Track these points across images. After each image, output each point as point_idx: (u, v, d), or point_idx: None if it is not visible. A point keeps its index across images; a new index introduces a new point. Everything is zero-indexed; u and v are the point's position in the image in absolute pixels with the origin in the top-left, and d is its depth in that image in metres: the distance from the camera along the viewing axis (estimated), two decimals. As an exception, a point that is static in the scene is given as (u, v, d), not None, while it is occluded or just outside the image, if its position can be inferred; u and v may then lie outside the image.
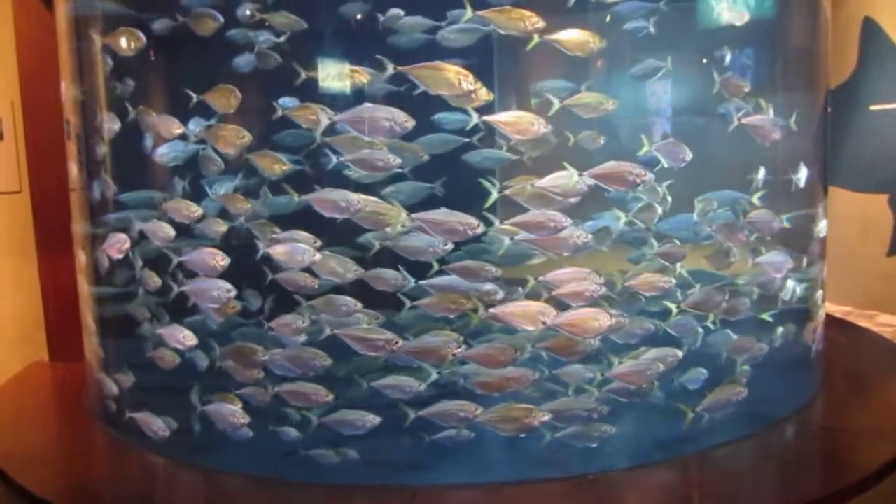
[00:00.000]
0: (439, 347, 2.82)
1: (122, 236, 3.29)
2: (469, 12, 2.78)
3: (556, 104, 2.83)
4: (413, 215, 2.76)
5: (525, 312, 2.81)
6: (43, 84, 4.15)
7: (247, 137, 2.95)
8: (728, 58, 3.11)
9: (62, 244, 4.08)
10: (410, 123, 2.72)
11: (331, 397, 2.87)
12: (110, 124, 3.30)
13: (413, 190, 2.96)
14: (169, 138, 3.09)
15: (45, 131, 4.26)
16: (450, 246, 2.79)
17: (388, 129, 2.72)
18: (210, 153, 3.04)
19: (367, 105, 2.75)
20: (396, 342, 2.81)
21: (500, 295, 2.88)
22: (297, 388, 2.90)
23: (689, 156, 2.91)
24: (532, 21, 2.74)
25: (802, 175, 3.37)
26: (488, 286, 2.87)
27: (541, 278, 2.87)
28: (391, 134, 2.73)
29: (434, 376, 2.86)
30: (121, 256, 3.30)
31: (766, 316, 3.34)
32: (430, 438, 2.87)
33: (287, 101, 2.98)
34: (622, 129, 3.05)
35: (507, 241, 2.88)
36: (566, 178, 2.76)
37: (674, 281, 3.05)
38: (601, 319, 2.82)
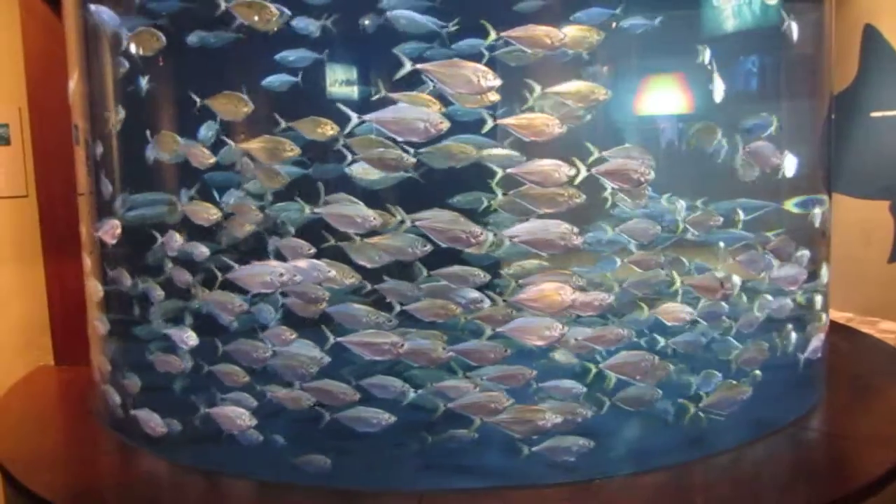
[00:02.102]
0: (431, 349, 2.83)
1: (115, 222, 3.31)
2: (493, 34, 2.77)
3: (537, 91, 2.79)
4: (418, 223, 2.75)
5: (531, 328, 2.81)
6: (50, 90, 4.16)
7: (296, 150, 2.88)
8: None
9: (68, 249, 4.10)
10: (445, 125, 2.66)
11: (357, 396, 2.87)
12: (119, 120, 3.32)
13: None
14: (201, 168, 3.07)
15: (52, 136, 4.28)
16: (428, 247, 2.77)
17: (422, 130, 2.67)
18: (248, 161, 3.00)
19: (402, 105, 2.68)
20: (402, 345, 2.81)
21: (487, 303, 2.88)
22: (323, 387, 2.90)
23: (651, 163, 2.86)
24: (557, 37, 2.73)
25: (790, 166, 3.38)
26: (474, 294, 2.87)
27: (521, 281, 2.89)
28: (425, 135, 2.68)
29: (412, 395, 2.88)
30: (114, 241, 3.32)
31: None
32: (431, 439, 2.88)
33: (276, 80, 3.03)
34: (616, 134, 3.04)
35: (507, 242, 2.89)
36: (543, 166, 2.74)
37: (695, 313, 3.08)
38: (564, 294, 2.79)
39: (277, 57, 3.11)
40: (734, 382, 3.13)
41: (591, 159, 2.81)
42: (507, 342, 2.87)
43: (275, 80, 3.11)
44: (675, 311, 3.07)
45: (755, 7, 3.19)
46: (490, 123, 2.77)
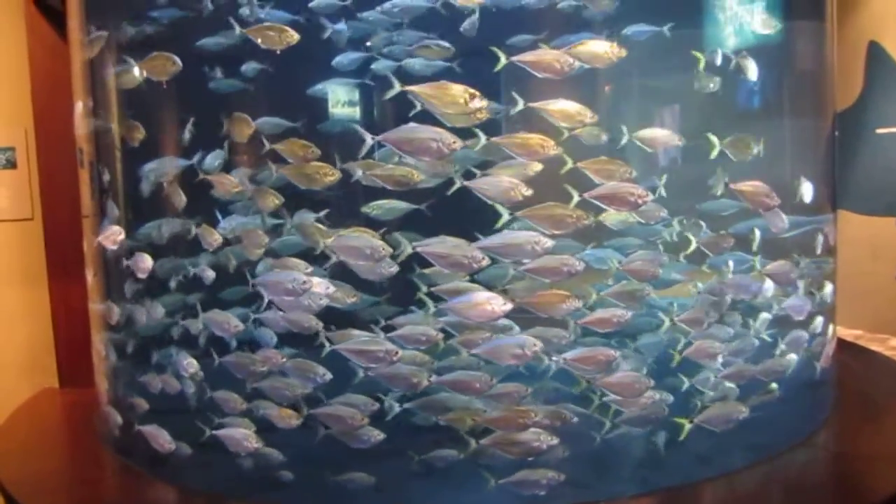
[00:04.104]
0: (411, 374, 2.81)
1: (117, 228, 3.32)
2: (503, 60, 2.76)
3: (520, 104, 2.78)
4: (418, 248, 2.74)
5: (503, 347, 2.78)
6: (56, 113, 4.20)
7: (336, 175, 2.86)
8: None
9: (73, 271, 4.11)
10: (458, 144, 2.65)
11: (366, 420, 2.84)
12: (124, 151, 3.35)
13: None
14: (227, 197, 3.08)
15: (58, 159, 4.30)
16: (395, 268, 2.78)
17: (435, 149, 2.65)
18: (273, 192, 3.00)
19: (412, 125, 2.66)
20: (396, 353, 2.78)
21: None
22: (334, 412, 2.88)
23: (631, 174, 2.84)
24: (566, 62, 2.74)
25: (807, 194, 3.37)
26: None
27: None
28: (438, 155, 2.66)
29: (397, 409, 2.86)
30: (115, 247, 3.33)
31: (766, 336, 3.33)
32: (419, 458, 2.85)
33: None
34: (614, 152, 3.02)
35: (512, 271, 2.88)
36: (500, 183, 2.72)
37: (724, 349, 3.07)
38: (494, 304, 2.73)
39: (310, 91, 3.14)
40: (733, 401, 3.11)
41: (565, 168, 2.80)
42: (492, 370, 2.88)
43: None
44: (704, 348, 3.04)
45: (756, 24, 3.19)
46: (483, 141, 2.77)
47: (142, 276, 3.25)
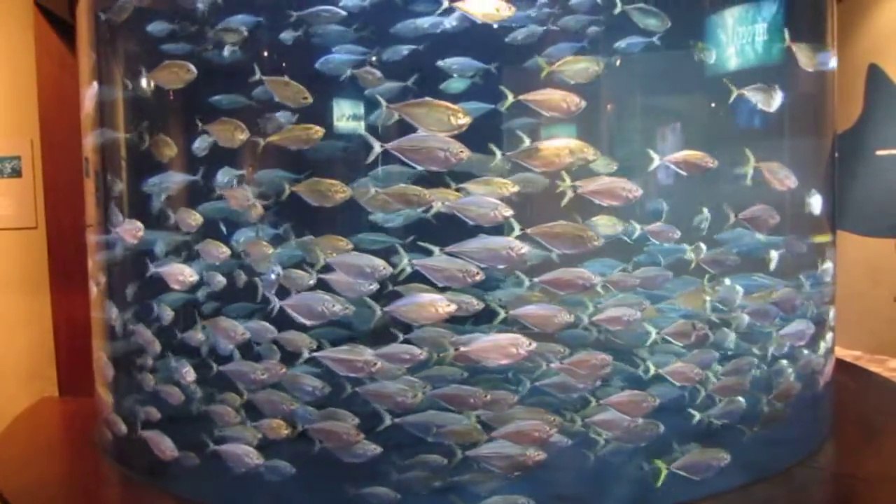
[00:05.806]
0: (398, 392, 2.81)
1: (138, 224, 3.30)
2: (510, 98, 2.82)
3: (526, 142, 2.79)
4: (415, 262, 2.75)
5: (496, 346, 2.75)
6: (62, 123, 4.25)
7: (347, 192, 2.86)
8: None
9: (75, 280, 4.14)
10: (465, 154, 2.67)
11: (362, 436, 2.84)
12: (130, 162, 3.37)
13: None
14: (241, 210, 3.09)
15: (63, 169, 4.35)
16: (375, 286, 2.78)
17: (442, 159, 2.67)
18: (255, 202, 3.03)
19: (420, 134, 2.68)
20: (375, 364, 2.78)
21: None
22: (328, 427, 2.88)
23: (635, 190, 2.87)
24: (573, 101, 2.77)
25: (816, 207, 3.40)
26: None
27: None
28: (445, 164, 2.68)
29: (388, 422, 2.84)
30: (135, 242, 3.31)
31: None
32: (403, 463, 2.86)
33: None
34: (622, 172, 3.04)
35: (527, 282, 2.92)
36: (480, 206, 2.72)
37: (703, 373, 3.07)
38: (439, 306, 2.73)
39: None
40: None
41: (561, 186, 2.81)
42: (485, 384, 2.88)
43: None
44: (683, 371, 3.03)
45: (758, 46, 3.22)
46: (498, 156, 2.79)
47: (178, 287, 3.22)
